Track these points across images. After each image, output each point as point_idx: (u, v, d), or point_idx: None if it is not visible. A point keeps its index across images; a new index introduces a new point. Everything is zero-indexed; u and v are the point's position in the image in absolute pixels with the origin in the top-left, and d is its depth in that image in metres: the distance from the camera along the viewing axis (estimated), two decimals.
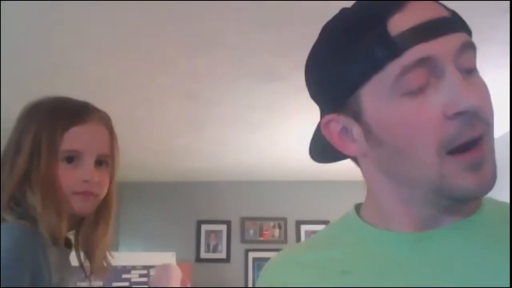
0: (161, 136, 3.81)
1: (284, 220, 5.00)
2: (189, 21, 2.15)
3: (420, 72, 0.59)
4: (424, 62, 0.59)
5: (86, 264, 1.15)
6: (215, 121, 3.47)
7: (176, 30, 2.22)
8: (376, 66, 0.61)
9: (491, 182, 0.61)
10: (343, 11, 0.68)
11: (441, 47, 0.59)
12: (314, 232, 4.94)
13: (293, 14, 2.08)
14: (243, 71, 2.65)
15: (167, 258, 4.07)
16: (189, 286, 2.28)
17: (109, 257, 1.18)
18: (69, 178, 1.06)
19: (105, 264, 1.16)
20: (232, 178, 4.96)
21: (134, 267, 3.69)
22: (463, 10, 2.14)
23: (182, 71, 2.66)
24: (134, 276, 3.68)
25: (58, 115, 1.08)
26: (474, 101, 0.57)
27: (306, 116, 3.23)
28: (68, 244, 1.15)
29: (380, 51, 0.60)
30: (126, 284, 3.56)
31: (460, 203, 0.63)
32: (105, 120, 1.15)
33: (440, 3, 0.63)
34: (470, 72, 0.61)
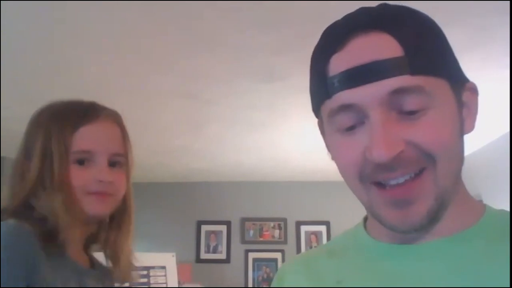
0: (161, 136, 3.81)
1: (284, 220, 5.00)
2: (189, 21, 2.15)
3: (345, 115, 0.61)
4: (347, 107, 0.60)
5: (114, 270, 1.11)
6: (215, 121, 3.47)
7: (176, 30, 2.22)
8: (320, 98, 0.65)
9: (418, 220, 0.60)
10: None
11: (364, 94, 0.59)
12: (314, 233, 4.96)
13: (293, 13, 2.08)
14: (243, 71, 2.65)
15: (167, 258, 4.06)
16: None
17: (134, 260, 1.14)
18: (82, 179, 1.01)
19: (131, 272, 1.13)
20: (232, 179, 4.96)
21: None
22: (464, 11, 2.14)
23: (182, 71, 2.66)
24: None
25: (66, 116, 1.04)
26: (384, 155, 0.57)
27: (306, 116, 3.23)
28: (92, 265, 1.11)
29: (320, 89, 0.64)
30: (126, 284, 3.56)
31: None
32: (115, 118, 1.10)
33: (389, 36, 0.60)
34: (414, 113, 0.59)
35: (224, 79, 2.77)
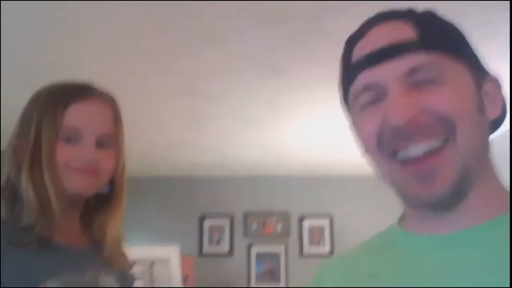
0: (164, 131, 3.82)
1: (287, 214, 5.00)
2: (189, 21, 2.14)
3: (368, 93, 0.67)
4: (369, 86, 0.66)
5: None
6: (217, 117, 3.47)
7: (176, 30, 2.22)
8: (346, 85, 0.71)
9: (442, 192, 0.61)
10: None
11: (383, 72, 0.64)
12: (316, 226, 4.96)
13: (293, 9, 2.07)
14: (244, 66, 2.64)
15: (171, 251, 4.09)
16: None
17: (123, 245, 1.12)
18: (66, 155, 1.01)
19: (121, 254, 1.12)
20: (235, 173, 4.97)
21: (137, 261, 3.72)
22: (464, 9, 2.13)
23: (182, 71, 2.66)
24: (137, 270, 3.70)
25: (59, 94, 1.05)
26: (400, 116, 0.61)
27: (307, 111, 3.23)
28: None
29: (345, 76, 0.71)
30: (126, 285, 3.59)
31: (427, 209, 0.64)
32: (109, 100, 1.10)
33: (405, 23, 0.66)
34: (430, 86, 0.63)
35: (225, 75, 2.77)
